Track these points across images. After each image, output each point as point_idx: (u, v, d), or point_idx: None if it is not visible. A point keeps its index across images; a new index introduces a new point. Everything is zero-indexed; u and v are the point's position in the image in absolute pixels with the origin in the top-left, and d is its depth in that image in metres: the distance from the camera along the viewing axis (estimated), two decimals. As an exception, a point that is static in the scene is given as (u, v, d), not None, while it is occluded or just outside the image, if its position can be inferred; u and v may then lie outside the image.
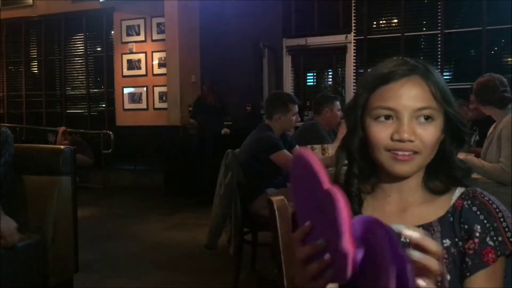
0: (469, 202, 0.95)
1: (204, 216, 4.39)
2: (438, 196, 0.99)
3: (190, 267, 3.76)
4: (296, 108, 3.41)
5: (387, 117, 0.92)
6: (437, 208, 0.98)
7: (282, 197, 1.30)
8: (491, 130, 3.06)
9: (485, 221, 0.92)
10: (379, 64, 0.99)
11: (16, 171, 2.35)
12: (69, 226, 2.41)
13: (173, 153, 6.94)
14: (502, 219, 0.93)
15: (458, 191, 0.99)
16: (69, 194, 2.41)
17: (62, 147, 2.49)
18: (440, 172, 0.98)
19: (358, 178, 1.01)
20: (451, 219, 0.96)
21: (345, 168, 1.04)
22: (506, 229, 0.92)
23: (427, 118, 0.92)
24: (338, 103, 3.99)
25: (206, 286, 3.39)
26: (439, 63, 6.46)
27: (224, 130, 6.44)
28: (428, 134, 0.91)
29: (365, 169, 1.00)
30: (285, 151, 3.18)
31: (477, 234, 0.92)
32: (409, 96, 0.92)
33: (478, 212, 0.93)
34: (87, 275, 3.23)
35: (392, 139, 0.91)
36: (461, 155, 3.03)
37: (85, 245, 3.37)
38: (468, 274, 0.91)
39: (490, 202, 0.94)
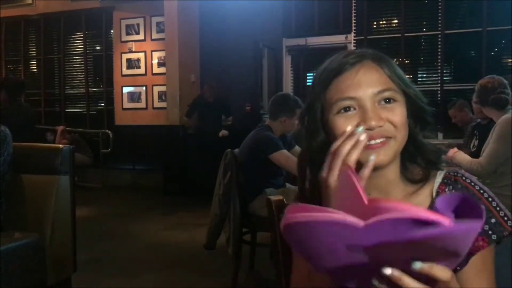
0: (451, 187, 0.92)
1: (203, 216, 4.38)
2: (420, 186, 0.94)
3: (188, 267, 3.75)
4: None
5: (348, 109, 0.87)
6: (422, 198, 0.94)
7: (281, 197, 1.29)
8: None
9: None
10: (327, 60, 0.95)
11: (15, 170, 2.34)
12: (67, 226, 2.40)
13: (172, 153, 6.93)
14: (490, 199, 0.90)
15: (439, 176, 0.94)
16: (68, 194, 2.40)
17: (60, 146, 2.47)
18: (415, 157, 0.94)
19: None
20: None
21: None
22: (498, 208, 0.89)
23: (389, 100, 0.88)
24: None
25: (205, 286, 3.38)
26: (439, 64, 6.46)
27: (222, 132, 6.41)
28: (395, 114, 0.87)
29: None
30: (285, 151, 3.17)
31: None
32: (366, 81, 0.88)
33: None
34: (85, 274, 3.22)
35: None
36: (451, 151, 3.07)
37: (83, 245, 3.36)
38: (458, 268, 0.87)
39: (472, 184, 0.91)
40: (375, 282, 0.65)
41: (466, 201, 0.66)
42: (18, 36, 8.78)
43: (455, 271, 0.84)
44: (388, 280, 0.63)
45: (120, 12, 7.86)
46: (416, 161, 0.94)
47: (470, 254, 0.86)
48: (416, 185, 0.94)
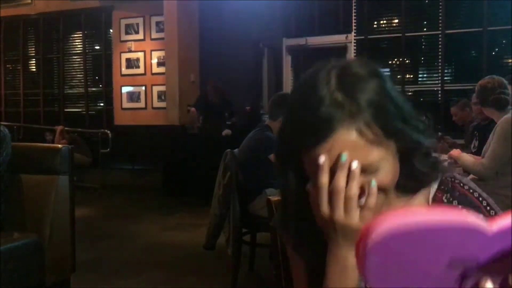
0: (448, 195, 0.85)
1: (203, 216, 4.37)
2: (415, 194, 0.85)
3: (188, 268, 3.74)
4: None
5: None
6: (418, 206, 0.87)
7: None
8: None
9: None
10: (297, 104, 0.78)
11: (14, 170, 2.33)
12: (66, 226, 2.39)
13: (172, 153, 6.92)
14: (488, 207, 0.84)
15: (435, 181, 0.86)
16: (67, 194, 2.39)
17: (59, 146, 2.47)
18: (407, 179, 0.81)
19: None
20: None
21: None
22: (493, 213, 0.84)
23: (374, 169, 0.74)
24: None
25: (204, 287, 3.37)
26: (439, 64, 6.45)
27: (226, 132, 6.40)
28: (381, 177, 0.74)
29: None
30: (285, 151, 3.16)
31: None
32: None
33: (460, 206, 0.83)
34: (84, 274, 3.21)
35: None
36: (455, 152, 3.06)
37: (82, 245, 3.35)
38: None
39: (471, 191, 0.85)
40: None
41: None
42: (17, 36, 8.77)
43: None
44: None
45: (119, 11, 7.85)
46: (409, 181, 0.82)
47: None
48: (411, 193, 0.86)
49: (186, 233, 4.77)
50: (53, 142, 7.10)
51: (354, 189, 0.71)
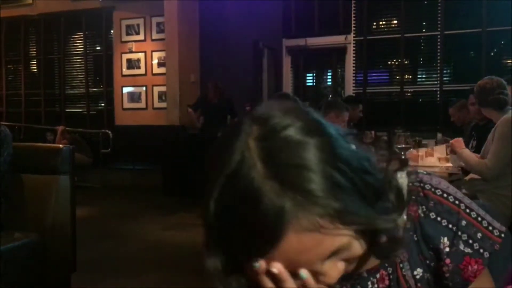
0: (424, 207, 0.73)
1: (203, 216, 4.38)
2: None
3: (188, 267, 3.75)
4: None
5: None
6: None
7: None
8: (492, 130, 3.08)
9: (450, 225, 0.73)
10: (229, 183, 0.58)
11: (15, 170, 2.35)
12: (67, 225, 2.41)
13: (172, 153, 6.93)
14: (467, 210, 0.74)
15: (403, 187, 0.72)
16: (68, 193, 2.40)
17: (60, 146, 2.48)
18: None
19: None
20: (415, 237, 0.74)
21: None
22: (479, 219, 0.74)
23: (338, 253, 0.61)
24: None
25: (204, 287, 3.38)
26: (438, 65, 6.46)
27: None
28: (354, 251, 0.63)
29: None
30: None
31: (447, 250, 0.72)
32: (303, 260, 0.59)
33: (439, 218, 0.73)
34: (85, 274, 3.22)
35: None
36: (457, 142, 3.04)
37: (83, 245, 3.35)
38: None
39: (445, 195, 0.73)
40: None
41: None
42: (18, 36, 8.78)
43: None
44: None
45: (120, 12, 7.86)
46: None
47: (466, 279, 0.73)
48: None
49: (186, 233, 4.78)
50: (54, 142, 7.11)
51: None
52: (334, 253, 0.60)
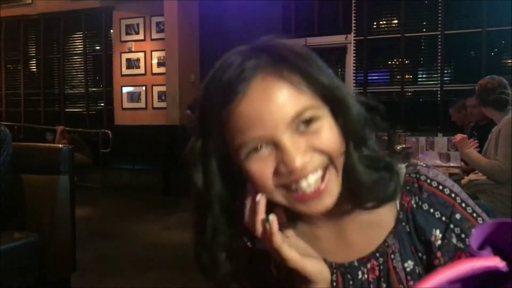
0: (416, 198, 0.73)
1: (203, 216, 4.37)
2: (381, 206, 0.72)
3: (188, 267, 3.73)
4: None
5: (260, 147, 0.65)
6: (386, 218, 0.74)
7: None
8: (493, 130, 3.07)
9: (443, 218, 0.72)
10: (208, 79, 0.72)
11: (14, 170, 2.34)
12: (67, 225, 2.40)
13: (172, 153, 6.92)
14: (463, 204, 0.73)
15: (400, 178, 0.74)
16: (67, 193, 2.39)
17: (60, 146, 2.48)
18: (359, 190, 0.70)
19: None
20: (408, 228, 0.74)
21: None
22: (474, 215, 0.72)
23: (310, 121, 0.65)
24: None
25: (204, 287, 3.37)
26: (439, 64, 6.46)
27: None
28: (323, 138, 0.65)
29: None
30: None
31: (439, 243, 0.71)
32: (272, 108, 0.63)
33: (432, 210, 0.72)
34: (85, 274, 3.22)
35: (280, 173, 0.65)
36: (460, 139, 3.00)
37: (83, 245, 3.36)
38: None
39: (440, 188, 0.73)
40: None
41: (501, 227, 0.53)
42: (17, 36, 8.78)
43: None
44: None
45: (119, 12, 7.85)
46: (354, 188, 0.70)
47: None
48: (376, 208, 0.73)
49: (186, 233, 4.70)
50: (53, 142, 7.10)
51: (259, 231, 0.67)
52: (302, 117, 0.64)
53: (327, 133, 0.66)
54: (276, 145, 0.65)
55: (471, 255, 0.51)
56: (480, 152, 3.09)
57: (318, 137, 0.65)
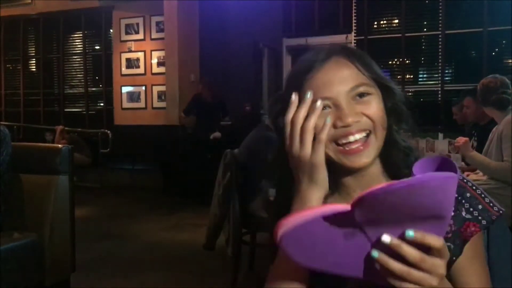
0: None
1: (203, 216, 4.37)
2: None
3: (188, 268, 3.74)
4: None
5: (324, 108, 0.84)
6: None
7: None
8: (493, 131, 3.05)
9: (456, 195, 0.83)
10: (297, 61, 0.94)
11: (14, 169, 2.33)
12: (66, 225, 2.39)
13: (172, 153, 6.91)
14: (474, 187, 0.89)
15: None
16: (67, 193, 2.39)
17: (59, 146, 2.47)
18: (396, 160, 0.90)
19: None
20: None
21: None
22: (483, 196, 0.88)
23: (364, 94, 0.86)
24: None
25: (204, 287, 3.37)
26: (439, 64, 6.45)
27: (214, 135, 6.36)
28: (372, 108, 0.85)
29: None
30: (285, 151, 3.15)
31: (451, 214, 0.82)
32: (338, 79, 0.85)
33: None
34: (84, 274, 3.21)
35: (336, 127, 0.84)
36: (462, 141, 2.98)
37: (82, 245, 3.35)
38: (454, 258, 0.85)
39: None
40: (375, 252, 0.65)
41: (443, 163, 0.69)
42: (17, 36, 8.77)
43: (451, 261, 0.83)
44: (387, 250, 0.64)
45: (119, 11, 7.85)
46: (397, 163, 0.90)
47: (464, 241, 0.86)
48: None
49: (186, 233, 4.77)
50: (53, 142, 7.09)
51: (312, 123, 0.80)
52: (355, 89, 0.85)
53: (375, 106, 0.86)
54: (337, 106, 0.84)
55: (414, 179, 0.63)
56: (480, 152, 3.08)
57: (368, 106, 0.85)
